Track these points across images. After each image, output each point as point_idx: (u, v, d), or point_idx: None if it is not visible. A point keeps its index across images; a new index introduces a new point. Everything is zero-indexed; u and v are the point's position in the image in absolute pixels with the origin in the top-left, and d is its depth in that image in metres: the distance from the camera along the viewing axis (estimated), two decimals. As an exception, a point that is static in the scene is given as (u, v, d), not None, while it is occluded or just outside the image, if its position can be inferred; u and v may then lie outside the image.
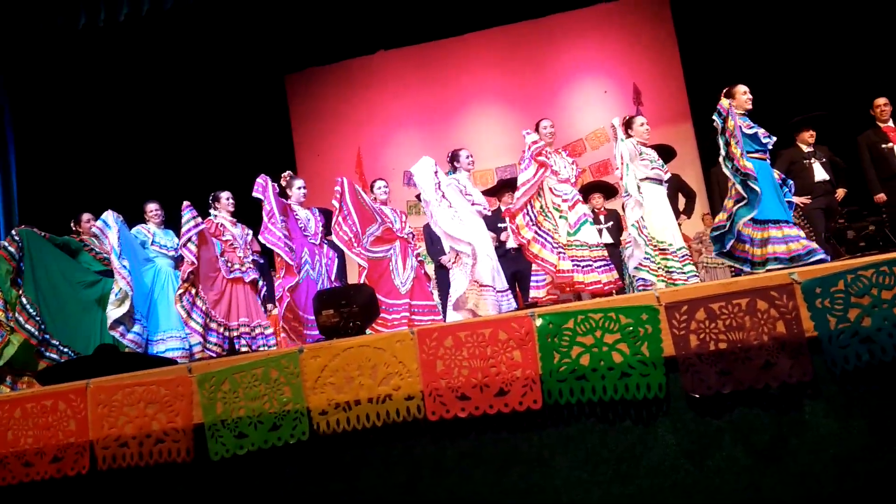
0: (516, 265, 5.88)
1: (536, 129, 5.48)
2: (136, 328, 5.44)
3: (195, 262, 5.31)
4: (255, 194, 5.38)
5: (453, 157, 5.53)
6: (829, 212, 5.80)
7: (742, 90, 4.84)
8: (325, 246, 5.74)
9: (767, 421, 2.86)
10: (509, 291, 5.40)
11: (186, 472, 3.33)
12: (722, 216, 4.61)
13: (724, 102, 4.62)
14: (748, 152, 4.59)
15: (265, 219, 5.32)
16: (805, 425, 2.83)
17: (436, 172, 5.22)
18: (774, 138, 4.76)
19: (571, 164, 5.56)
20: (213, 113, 9.32)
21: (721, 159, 4.57)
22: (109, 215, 5.50)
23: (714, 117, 4.58)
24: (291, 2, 8.41)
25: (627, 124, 5.38)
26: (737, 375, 2.87)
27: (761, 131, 4.72)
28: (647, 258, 4.90)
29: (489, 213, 5.68)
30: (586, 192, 6.84)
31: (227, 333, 5.51)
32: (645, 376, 2.95)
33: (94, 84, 8.63)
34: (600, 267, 5.14)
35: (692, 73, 8.89)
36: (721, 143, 4.55)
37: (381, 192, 5.73)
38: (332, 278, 5.62)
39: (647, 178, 5.18)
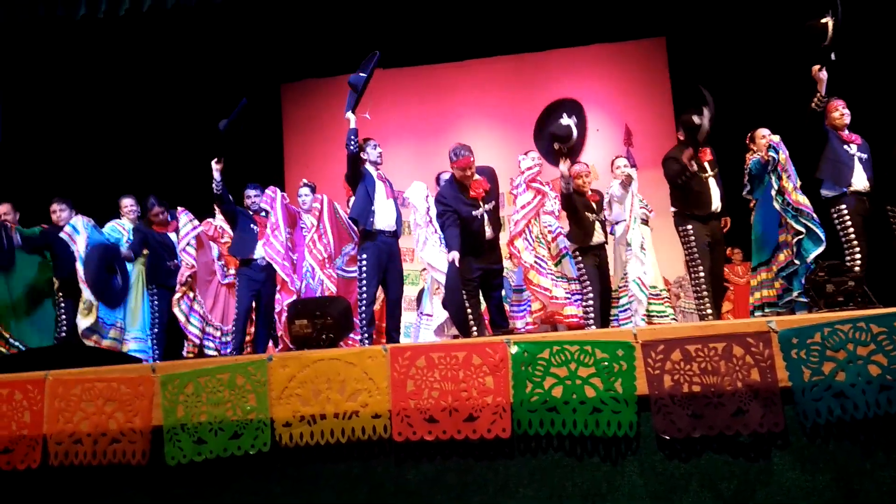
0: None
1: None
2: (112, 333, 5.35)
3: (195, 265, 5.26)
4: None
5: (438, 181, 5.58)
6: None
7: (761, 134, 4.94)
8: None
9: (736, 468, 2.84)
10: None
11: (140, 475, 3.22)
12: (787, 253, 4.61)
13: (775, 137, 4.74)
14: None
15: (269, 231, 5.32)
16: (773, 476, 2.81)
17: (427, 197, 5.25)
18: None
19: (555, 197, 5.59)
20: (206, 114, 9.23)
21: (773, 194, 4.62)
22: (79, 220, 5.37)
23: (769, 152, 4.66)
24: (295, 12, 8.42)
25: (612, 165, 5.47)
26: (708, 420, 2.85)
27: None
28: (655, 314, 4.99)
29: None
30: None
31: (224, 339, 5.44)
32: (616, 413, 2.91)
33: (89, 77, 8.54)
34: (577, 300, 5.14)
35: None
36: (773, 178, 4.61)
37: None
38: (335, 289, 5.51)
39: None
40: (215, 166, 5.17)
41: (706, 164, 4.59)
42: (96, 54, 8.40)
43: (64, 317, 5.34)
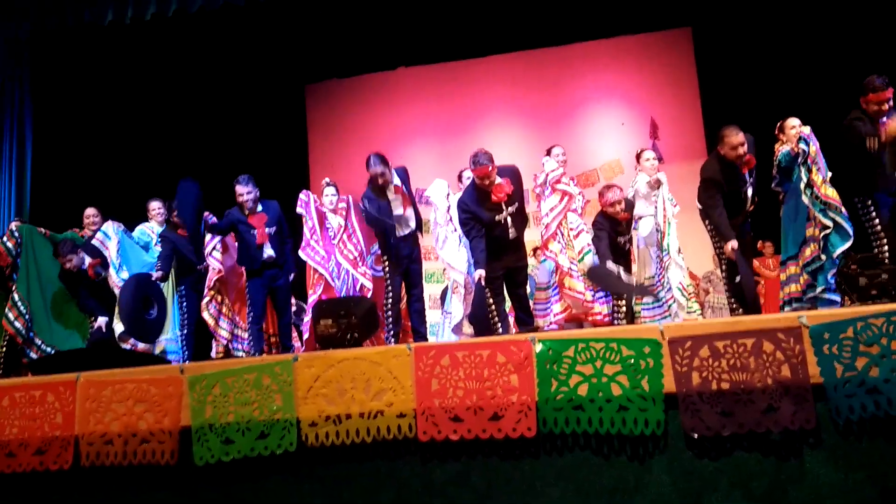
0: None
1: (548, 154, 5.49)
2: None
3: (222, 269, 5.30)
4: (298, 210, 5.37)
5: (461, 178, 5.55)
6: None
7: (791, 124, 4.81)
8: None
9: (767, 467, 2.78)
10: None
11: (170, 474, 3.27)
12: (813, 247, 4.50)
13: (806, 129, 4.59)
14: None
15: (307, 234, 5.31)
16: (805, 474, 2.75)
17: (447, 196, 5.23)
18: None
19: (578, 193, 5.54)
20: (231, 116, 9.36)
21: (802, 187, 4.52)
22: (109, 226, 5.45)
23: (800, 144, 4.52)
24: (317, 13, 8.48)
25: (638, 157, 5.39)
26: (738, 418, 2.80)
27: None
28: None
29: None
30: None
31: None
32: (643, 411, 2.87)
33: (115, 80, 8.69)
34: (600, 298, 5.11)
35: (711, 110, 8.86)
36: (803, 170, 4.51)
37: None
38: (358, 287, 5.39)
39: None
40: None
41: (745, 175, 4.43)
42: (124, 59, 8.56)
43: (94, 320, 5.43)
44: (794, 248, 4.71)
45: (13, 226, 5.67)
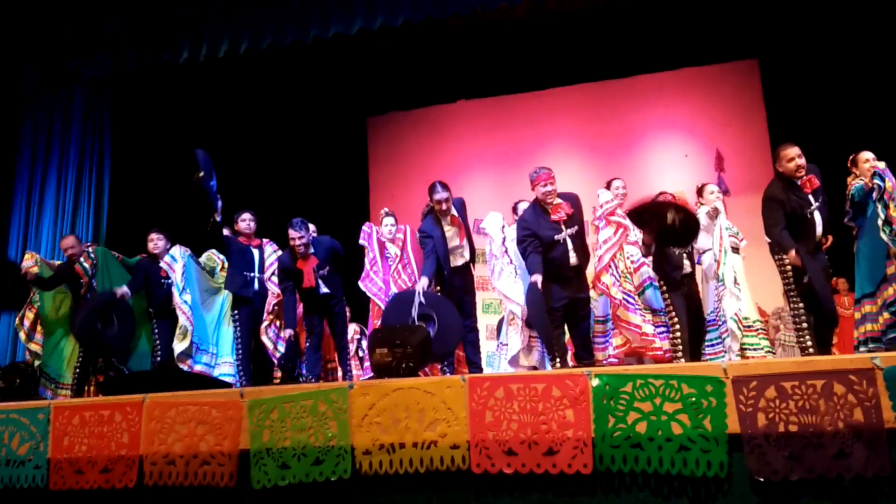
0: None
1: (608, 187, 5.44)
2: (205, 358, 5.58)
3: (280, 294, 5.42)
4: (361, 241, 5.58)
5: (515, 210, 5.56)
6: None
7: (865, 157, 4.67)
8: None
9: (838, 515, 2.64)
10: None
11: (228, 497, 3.32)
12: None
13: (880, 164, 4.49)
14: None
15: (367, 266, 5.48)
16: (880, 525, 2.60)
17: (503, 228, 5.24)
18: None
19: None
20: (296, 148, 9.67)
21: (879, 223, 4.39)
22: (177, 250, 5.64)
23: (874, 180, 4.43)
24: (379, 49, 8.71)
25: (699, 191, 5.29)
26: (807, 462, 2.67)
27: None
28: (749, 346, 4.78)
29: None
30: None
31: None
32: (706, 452, 2.78)
33: (188, 114, 9.09)
34: (662, 333, 4.98)
35: (779, 141, 8.59)
36: (879, 207, 4.39)
37: None
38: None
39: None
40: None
41: (809, 197, 4.30)
42: (195, 94, 8.96)
43: (159, 343, 5.61)
44: (870, 285, 4.50)
45: (90, 248, 5.95)
